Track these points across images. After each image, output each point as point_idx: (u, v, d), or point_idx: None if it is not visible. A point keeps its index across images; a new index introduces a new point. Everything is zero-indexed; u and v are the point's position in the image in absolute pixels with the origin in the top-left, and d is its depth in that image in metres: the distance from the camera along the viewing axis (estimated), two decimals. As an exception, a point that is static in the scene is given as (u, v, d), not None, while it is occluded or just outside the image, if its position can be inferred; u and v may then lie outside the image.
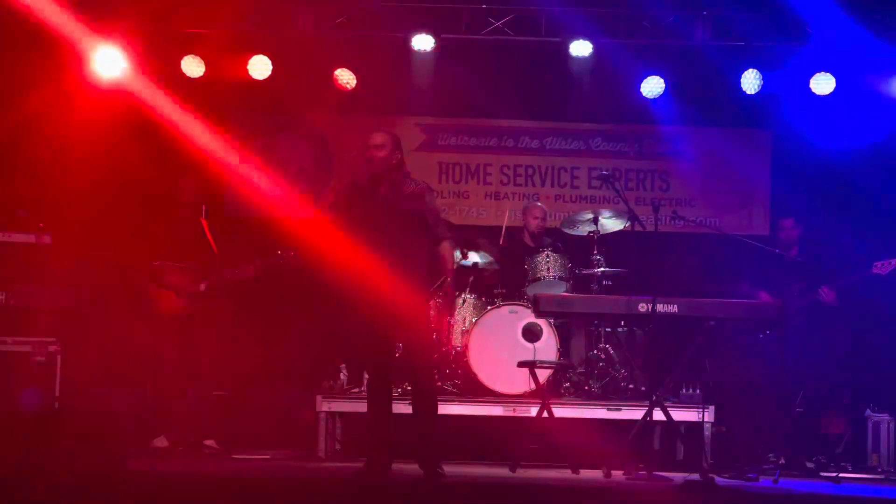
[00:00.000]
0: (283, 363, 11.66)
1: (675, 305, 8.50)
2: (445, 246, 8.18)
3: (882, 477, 9.48)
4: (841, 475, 9.09)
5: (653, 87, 11.44)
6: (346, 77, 11.40)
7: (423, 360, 8.06)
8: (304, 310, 11.69)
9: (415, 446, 8.03)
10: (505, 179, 12.12)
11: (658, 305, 8.39)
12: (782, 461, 8.90)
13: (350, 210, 8.02)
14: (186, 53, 11.11)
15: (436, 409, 8.00)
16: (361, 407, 9.66)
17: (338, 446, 10.05)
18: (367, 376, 8.36)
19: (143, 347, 10.04)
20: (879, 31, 10.83)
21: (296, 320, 11.75)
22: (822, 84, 11.12)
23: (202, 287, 9.56)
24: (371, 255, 7.83)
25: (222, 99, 11.66)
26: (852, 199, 11.59)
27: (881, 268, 9.66)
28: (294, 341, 11.71)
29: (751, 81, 11.15)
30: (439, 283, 8.17)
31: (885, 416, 10.05)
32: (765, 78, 11.17)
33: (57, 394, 9.77)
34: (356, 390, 9.83)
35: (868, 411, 10.14)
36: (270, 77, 11.21)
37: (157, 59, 11.17)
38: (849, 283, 9.86)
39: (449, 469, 8.81)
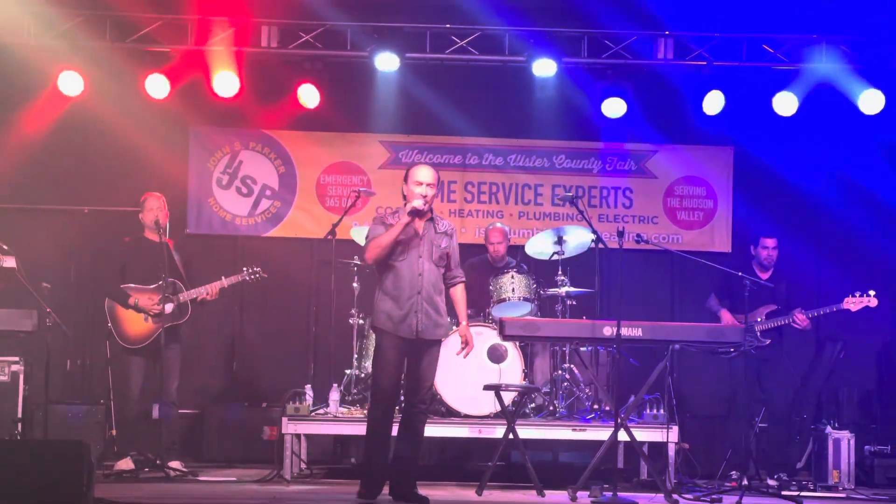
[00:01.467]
0: (249, 381, 11.68)
1: (640, 329, 8.61)
2: (462, 289, 8.36)
3: (843, 496, 9.58)
4: (802, 494, 9.20)
5: (615, 106, 11.51)
6: (309, 95, 11.39)
7: (431, 387, 8.33)
8: (270, 328, 11.71)
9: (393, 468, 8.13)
10: (469, 197, 12.15)
11: (623, 329, 8.46)
12: (745, 481, 8.97)
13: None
14: (150, 72, 11.06)
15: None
16: (326, 429, 9.77)
17: (303, 467, 10.04)
18: (369, 401, 8.32)
19: (110, 369, 10.02)
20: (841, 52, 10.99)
21: (261, 339, 11.76)
22: (785, 104, 11.22)
23: (169, 308, 9.53)
24: (404, 285, 8.01)
25: (187, 117, 11.67)
26: (815, 222, 11.73)
27: (852, 304, 9.81)
28: (259, 360, 11.73)
29: (713, 102, 11.25)
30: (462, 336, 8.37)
31: (845, 434, 10.13)
32: (727, 97, 11.26)
33: (19, 415, 9.77)
34: (322, 412, 9.83)
35: (829, 428, 10.23)
36: (237, 95, 11.19)
37: (120, 79, 11.15)
38: (821, 313, 9.99)
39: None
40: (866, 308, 10.00)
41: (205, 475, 9.64)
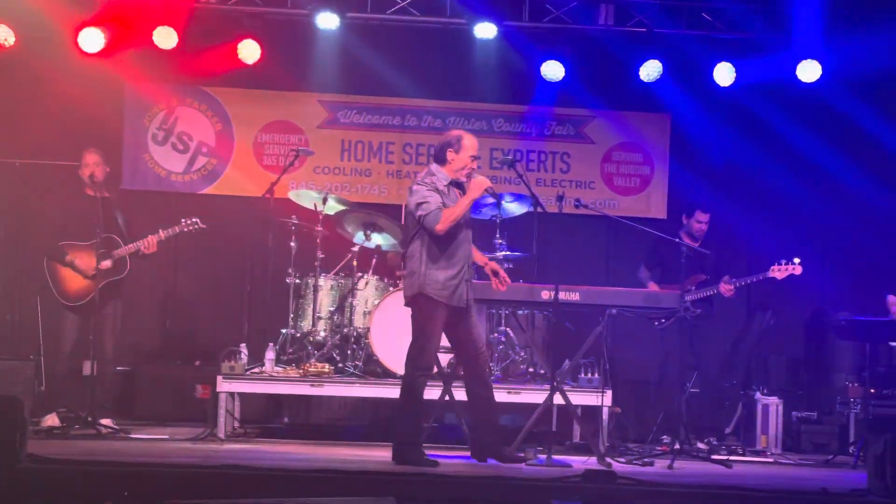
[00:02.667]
0: (183, 339, 11.61)
1: (577, 294, 8.67)
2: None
3: (771, 460, 9.74)
4: (732, 458, 9.34)
5: (553, 70, 11.53)
6: (249, 51, 11.29)
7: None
8: (205, 287, 11.63)
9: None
10: (407, 158, 12.12)
11: (560, 293, 8.52)
12: (676, 445, 9.08)
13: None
14: (86, 25, 10.90)
15: None
16: (261, 388, 9.74)
17: (237, 426, 10.01)
18: (412, 371, 8.25)
19: (41, 325, 9.92)
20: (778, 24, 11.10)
21: (196, 297, 11.69)
22: (723, 74, 11.31)
23: (107, 264, 9.43)
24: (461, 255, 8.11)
25: (123, 71, 11.52)
26: (750, 190, 11.84)
27: (778, 272, 9.90)
28: (193, 319, 11.66)
29: (651, 70, 11.32)
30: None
31: (773, 400, 10.28)
32: (667, 65, 11.33)
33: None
34: (257, 371, 9.80)
35: (758, 394, 10.37)
36: (175, 50, 11.06)
37: (53, 32, 10.99)
38: (748, 281, 10.09)
39: (348, 452, 8.90)
40: (796, 277, 10.12)
41: (137, 433, 9.56)
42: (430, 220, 7.99)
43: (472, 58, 11.63)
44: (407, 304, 8.28)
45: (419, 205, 8.04)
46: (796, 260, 9.92)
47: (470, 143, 8.17)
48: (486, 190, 8.11)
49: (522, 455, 8.29)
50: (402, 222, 10.67)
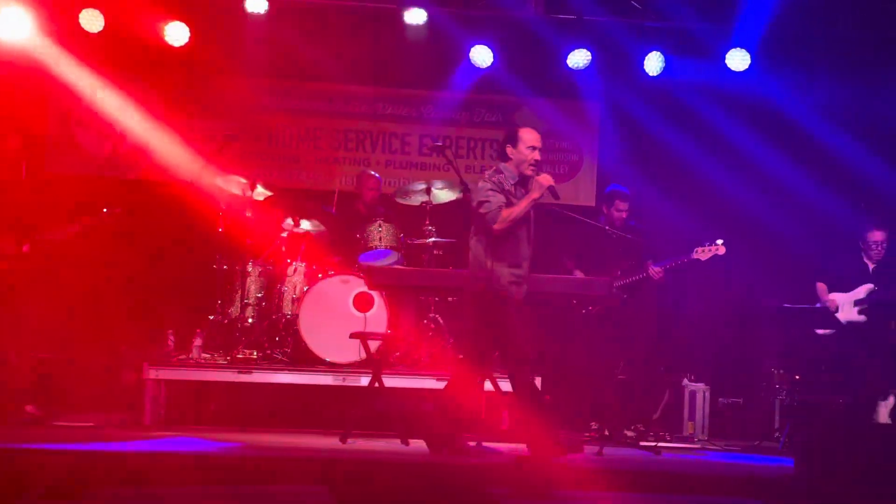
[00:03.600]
0: (109, 326, 11.44)
1: (507, 280, 8.63)
2: None
3: (698, 447, 9.82)
4: (660, 445, 9.40)
5: (483, 56, 11.53)
6: (177, 33, 11.15)
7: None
8: (131, 273, 11.48)
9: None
10: (336, 144, 12.05)
11: (491, 280, 8.50)
12: (605, 432, 9.12)
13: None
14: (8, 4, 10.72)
15: None
16: (189, 375, 9.64)
17: (163, 413, 9.89)
18: (519, 369, 8.12)
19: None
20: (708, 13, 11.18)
21: (122, 283, 11.53)
22: (652, 63, 11.38)
23: (25, 248, 9.28)
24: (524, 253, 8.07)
25: (49, 53, 11.32)
26: (679, 178, 11.90)
27: (702, 253, 9.93)
28: (120, 305, 11.50)
29: (579, 58, 11.37)
30: None
31: (700, 386, 10.36)
32: (597, 52, 11.37)
33: None
34: (183, 357, 9.70)
35: (685, 381, 10.45)
36: (103, 32, 10.91)
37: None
38: (673, 264, 10.12)
39: (276, 439, 8.83)
40: (724, 265, 10.19)
41: (61, 420, 9.42)
42: (490, 218, 7.94)
43: (403, 43, 11.56)
44: (469, 300, 8.15)
45: (481, 203, 8.00)
46: (719, 241, 9.93)
47: (526, 135, 8.13)
48: (548, 188, 8.02)
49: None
50: (334, 210, 10.63)
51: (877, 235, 10.01)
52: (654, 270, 10.09)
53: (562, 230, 10.62)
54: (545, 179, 7.99)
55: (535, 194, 7.98)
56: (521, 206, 7.95)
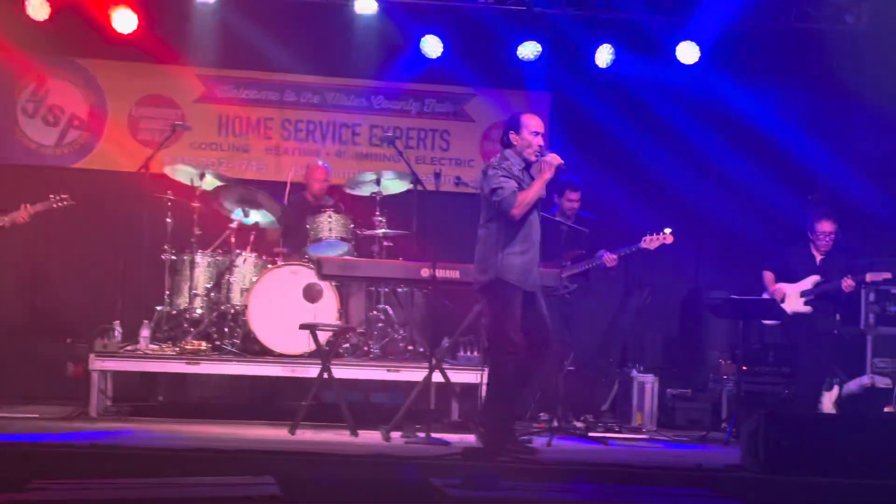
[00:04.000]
0: (55, 316, 11.34)
1: (457, 271, 8.69)
2: None
3: (646, 437, 9.86)
4: (608, 435, 9.45)
5: (433, 46, 11.53)
6: (124, 20, 11.05)
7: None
8: (77, 263, 11.37)
9: None
10: (286, 134, 12.00)
11: (440, 271, 8.51)
12: (554, 423, 9.15)
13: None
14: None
15: None
16: (136, 366, 9.59)
17: (109, 405, 9.83)
18: (497, 358, 8.01)
19: None
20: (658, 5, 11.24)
21: (67, 273, 11.42)
22: (603, 55, 11.43)
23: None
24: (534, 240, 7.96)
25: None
26: (631, 170, 11.95)
27: (649, 242, 9.95)
28: (65, 295, 11.40)
29: (529, 49, 11.41)
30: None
31: (649, 377, 10.41)
32: (547, 43, 11.40)
33: None
34: (131, 348, 9.63)
35: (634, 371, 10.49)
36: (48, 20, 10.79)
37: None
38: (620, 253, 10.15)
39: (224, 430, 8.79)
40: (673, 256, 10.25)
41: (4, 411, 9.32)
42: (506, 204, 7.81)
43: (353, 33, 11.55)
44: (480, 290, 8.05)
45: (494, 190, 7.86)
46: (667, 230, 9.95)
47: (529, 121, 8.03)
48: (557, 167, 7.94)
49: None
50: (284, 200, 10.57)
51: (825, 226, 10.08)
52: (609, 258, 10.10)
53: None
54: (553, 158, 7.92)
55: (546, 174, 7.90)
56: (534, 188, 7.87)
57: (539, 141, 7.99)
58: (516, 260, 7.86)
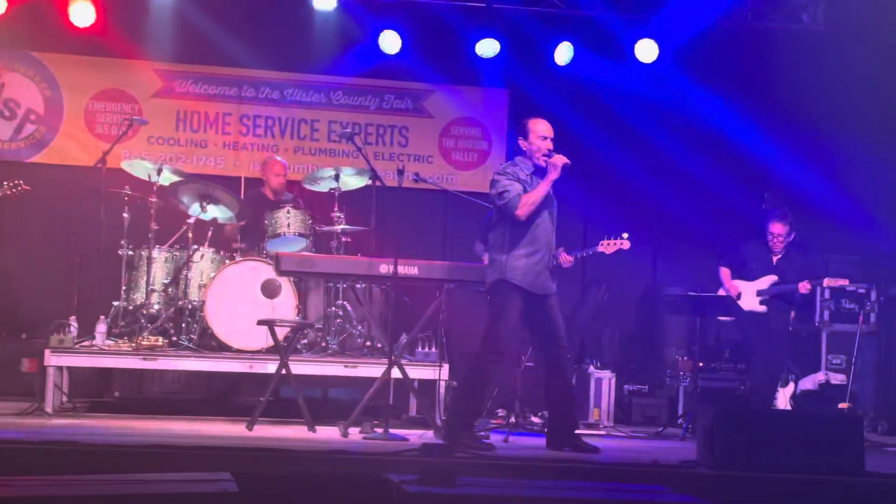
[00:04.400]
0: (10, 311, 11.25)
1: (416, 268, 8.68)
2: None
3: (604, 433, 9.90)
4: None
5: (391, 42, 11.54)
6: (82, 13, 10.97)
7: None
8: (32, 258, 11.28)
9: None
10: (244, 130, 11.96)
11: (399, 267, 8.51)
12: (512, 419, 9.17)
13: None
14: None
15: None
16: (92, 361, 9.54)
17: (65, 401, 9.76)
18: (487, 357, 8.08)
19: None
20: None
21: (22, 268, 11.33)
22: (562, 53, 11.47)
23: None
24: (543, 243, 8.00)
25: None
26: (588, 167, 11.96)
27: (607, 247, 9.96)
28: (19, 290, 11.30)
29: (487, 47, 11.44)
30: None
31: (607, 373, 10.46)
32: (506, 40, 11.42)
33: None
34: (87, 344, 9.57)
35: (591, 368, 10.54)
36: (4, 15, 10.70)
37: None
38: (578, 256, 10.17)
39: (181, 426, 8.76)
40: (629, 252, 10.27)
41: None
42: (510, 206, 7.90)
43: (312, 29, 11.54)
44: (486, 291, 8.15)
45: (500, 194, 7.97)
46: (624, 235, 9.96)
47: (536, 125, 8.09)
48: (563, 167, 7.96)
49: (597, 446, 8.22)
50: (242, 196, 10.54)
51: (776, 227, 10.16)
52: (565, 259, 10.13)
53: (472, 218, 10.67)
54: (558, 160, 7.95)
55: (552, 175, 7.94)
56: (540, 189, 7.92)
57: (548, 145, 8.06)
58: (521, 262, 7.94)
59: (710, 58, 11.80)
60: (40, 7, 11.08)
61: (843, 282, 10.07)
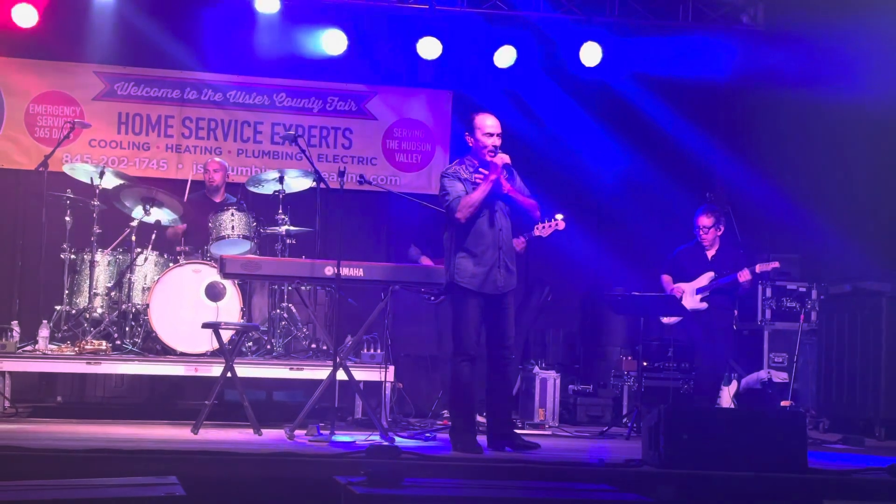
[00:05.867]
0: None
1: (361, 269, 8.65)
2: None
3: (549, 433, 9.94)
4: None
5: (335, 43, 11.54)
6: (24, 14, 10.87)
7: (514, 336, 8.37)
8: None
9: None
10: (187, 132, 11.90)
11: (344, 269, 8.50)
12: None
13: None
14: None
15: None
16: (35, 366, 9.46)
17: (7, 406, 9.67)
18: (454, 361, 8.05)
19: None
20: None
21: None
22: (503, 56, 11.53)
23: None
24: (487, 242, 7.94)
25: None
26: (532, 167, 12.00)
27: (542, 230, 9.93)
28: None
29: (429, 48, 11.47)
30: None
31: (551, 374, 10.50)
32: (450, 42, 11.46)
33: None
34: (30, 348, 9.49)
35: (536, 368, 10.58)
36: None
37: None
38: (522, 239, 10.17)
39: (125, 430, 8.70)
40: (573, 254, 10.34)
41: None
42: (451, 209, 7.89)
43: (255, 31, 11.50)
44: (443, 294, 8.20)
45: (442, 197, 7.97)
46: (558, 216, 9.90)
47: (481, 121, 8.02)
48: (504, 166, 7.92)
49: (537, 443, 8.20)
50: (185, 199, 10.50)
51: (703, 220, 10.20)
52: (516, 241, 10.10)
53: (413, 218, 10.69)
54: (500, 159, 7.91)
55: (492, 175, 7.89)
56: (479, 191, 7.87)
57: (494, 141, 7.99)
58: (468, 263, 7.93)
59: (652, 59, 11.87)
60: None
61: (774, 264, 10.05)
